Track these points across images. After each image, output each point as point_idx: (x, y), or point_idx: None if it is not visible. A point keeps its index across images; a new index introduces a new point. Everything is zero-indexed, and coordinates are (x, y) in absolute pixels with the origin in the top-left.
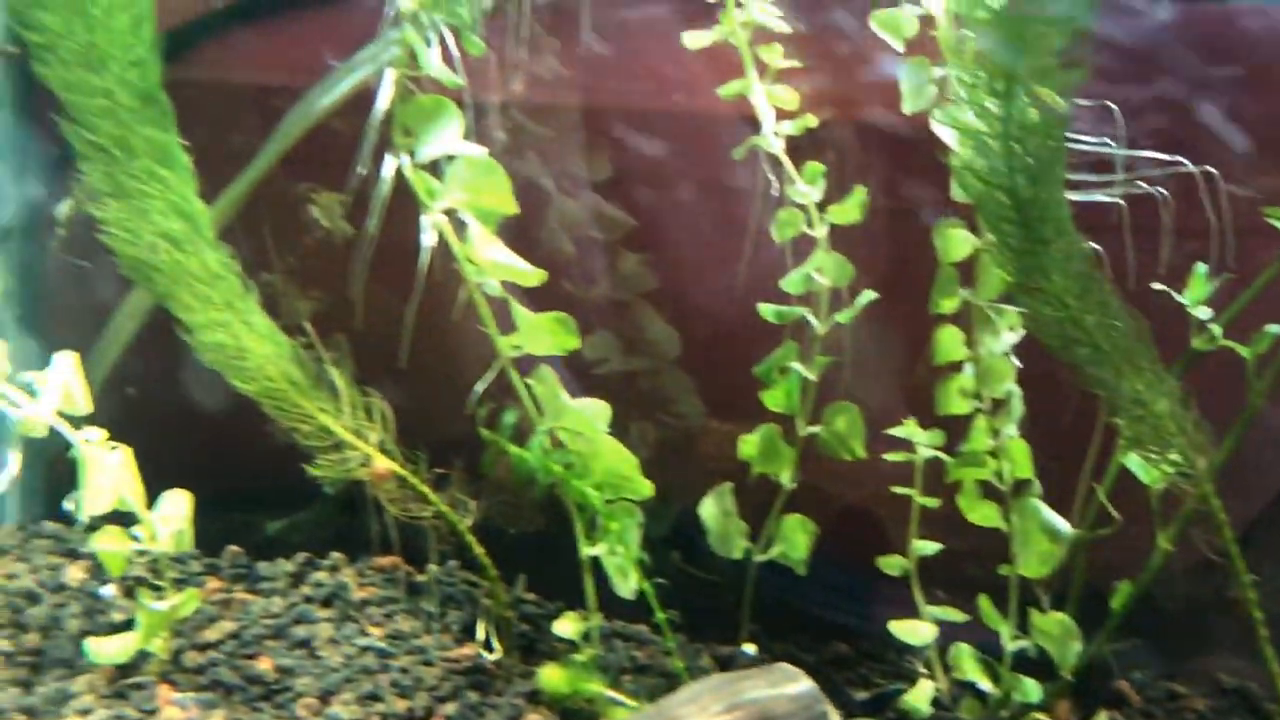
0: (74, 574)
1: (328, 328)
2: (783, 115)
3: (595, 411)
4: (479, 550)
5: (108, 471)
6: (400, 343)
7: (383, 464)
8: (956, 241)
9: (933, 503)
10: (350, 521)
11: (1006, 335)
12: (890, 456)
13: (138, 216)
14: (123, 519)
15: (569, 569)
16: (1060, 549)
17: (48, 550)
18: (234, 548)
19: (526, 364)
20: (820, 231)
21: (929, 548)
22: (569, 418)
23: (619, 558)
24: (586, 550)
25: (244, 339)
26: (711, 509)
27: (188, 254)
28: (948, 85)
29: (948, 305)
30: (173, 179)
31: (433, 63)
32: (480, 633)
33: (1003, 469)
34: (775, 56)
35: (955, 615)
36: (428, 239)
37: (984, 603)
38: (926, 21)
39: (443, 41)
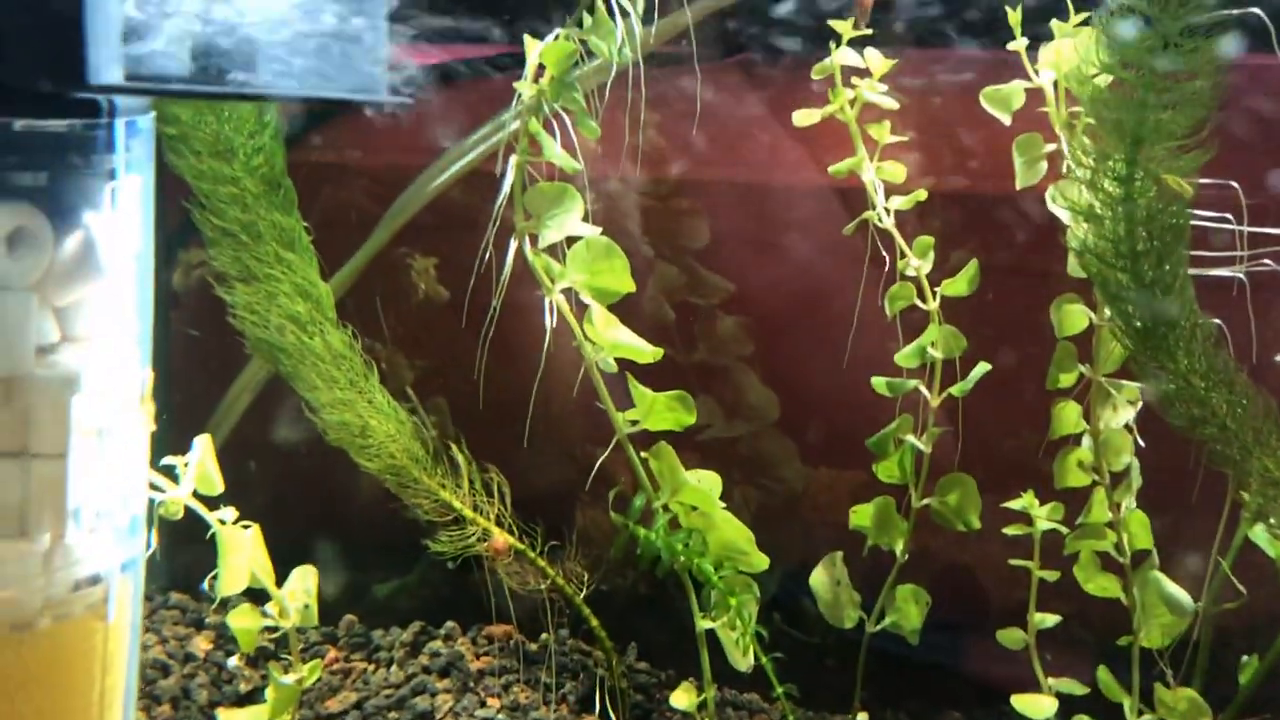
0: (201, 645)
1: (432, 394)
2: (892, 190)
3: (709, 484)
4: (595, 623)
5: (242, 552)
6: (506, 410)
7: (501, 539)
8: (1073, 316)
9: (1052, 576)
10: (459, 584)
11: (1125, 409)
12: (1009, 530)
13: (265, 299)
14: (253, 594)
15: (677, 634)
16: (1183, 621)
17: (175, 621)
18: (351, 616)
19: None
20: (932, 305)
21: (1048, 620)
22: (686, 493)
23: (737, 633)
24: (703, 624)
25: (367, 417)
26: (822, 578)
27: (312, 335)
28: (1061, 160)
29: (1065, 380)
30: (297, 262)
31: (555, 150)
32: (598, 704)
33: (1122, 540)
34: (884, 133)
35: (1077, 688)
36: (549, 319)
37: (1104, 675)
38: (1037, 95)
39: (559, 123)
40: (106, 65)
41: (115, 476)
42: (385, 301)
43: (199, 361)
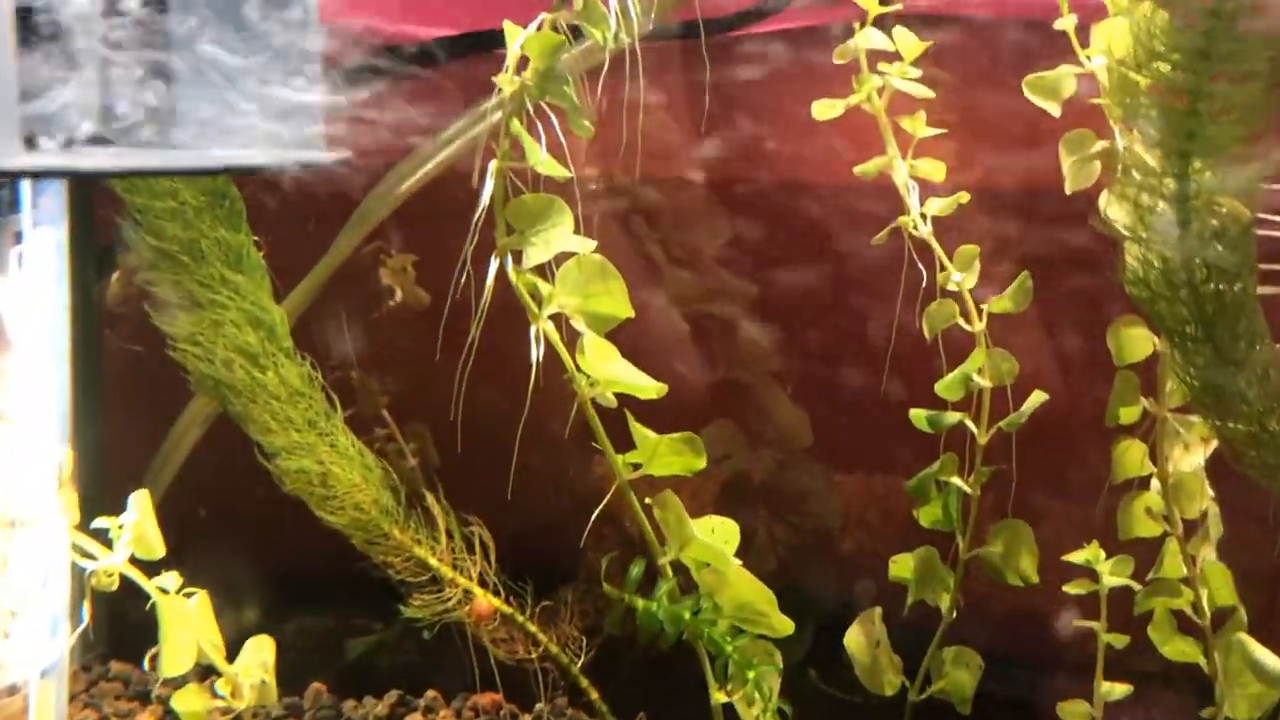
0: None
1: (406, 419)
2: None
3: (724, 532)
4: (594, 695)
5: (186, 626)
6: (497, 433)
7: (485, 603)
8: (1135, 342)
9: (1120, 640)
10: (441, 645)
11: (1198, 448)
12: (1070, 588)
13: (210, 329)
14: (204, 668)
15: (694, 701)
16: (1274, 691)
17: (117, 695)
18: (318, 684)
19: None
20: (978, 326)
21: (1117, 691)
22: (695, 548)
23: (756, 709)
24: (718, 698)
25: (329, 464)
26: (858, 639)
27: (265, 369)
28: (1116, 159)
29: (1127, 415)
30: (245, 284)
31: (540, 156)
32: None
33: (1200, 598)
34: (918, 126)
35: None
36: (535, 349)
37: None
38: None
39: (545, 122)
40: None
41: (32, 573)
42: (353, 312)
43: (138, 391)
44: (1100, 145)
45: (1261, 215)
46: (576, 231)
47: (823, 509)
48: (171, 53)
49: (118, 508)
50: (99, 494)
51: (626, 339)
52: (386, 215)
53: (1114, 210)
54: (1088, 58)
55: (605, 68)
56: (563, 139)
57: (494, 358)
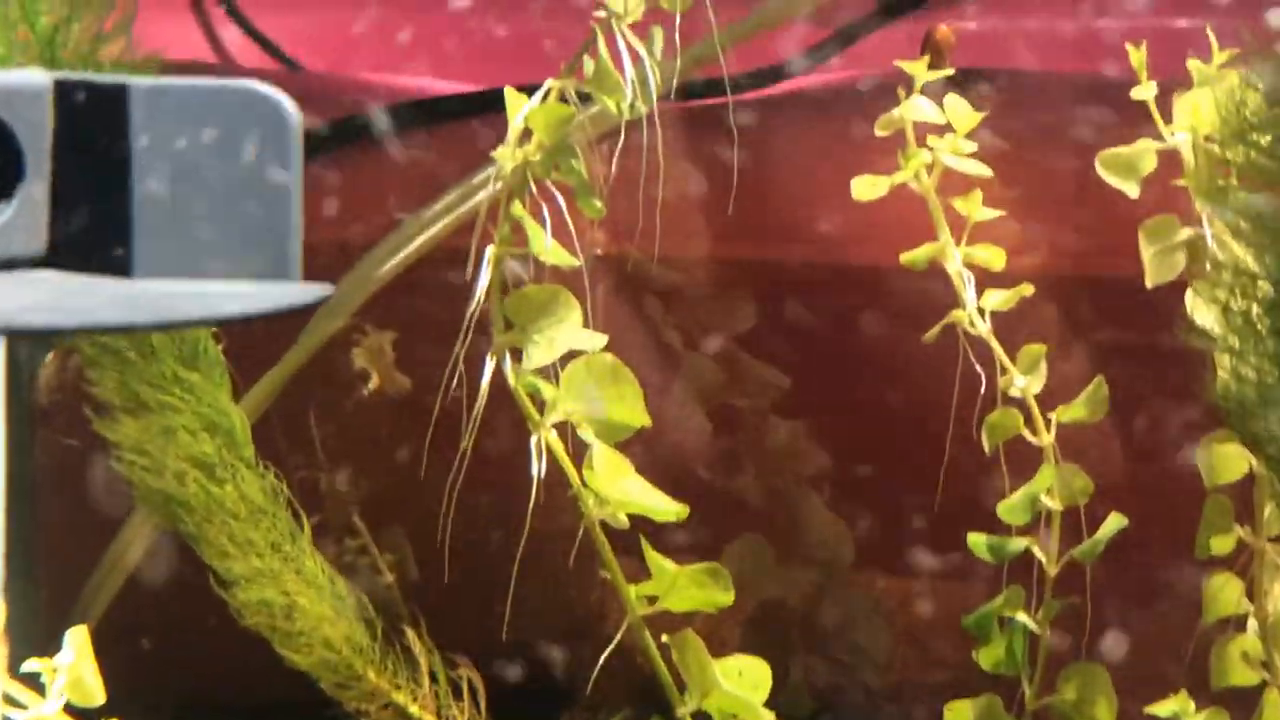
0: None
1: (383, 526)
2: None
3: (753, 676)
4: None
5: None
6: (489, 548)
7: None
8: (1228, 460)
9: None
10: None
11: None
12: None
13: (159, 436)
14: None
15: None
16: None
17: None
18: None
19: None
20: (1045, 438)
21: None
22: (720, 697)
23: None
24: None
25: (294, 594)
26: None
27: (222, 482)
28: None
29: (1220, 545)
30: (201, 383)
31: (546, 243)
32: None
33: None
34: (974, 207)
35: None
36: (536, 464)
37: None
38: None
39: (550, 200)
40: None
41: None
42: (323, 406)
43: (76, 497)
44: (1185, 234)
45: None
46: (585, 324)
47: (867, 642)
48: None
49: (52, 644)
50: (28, 629)
51: (641, 437)
52: (362, 302)
53: (1201, 313)
54: (1171, 133)
55: (621, 141)
56: (569, 219)
57: (488, 463)
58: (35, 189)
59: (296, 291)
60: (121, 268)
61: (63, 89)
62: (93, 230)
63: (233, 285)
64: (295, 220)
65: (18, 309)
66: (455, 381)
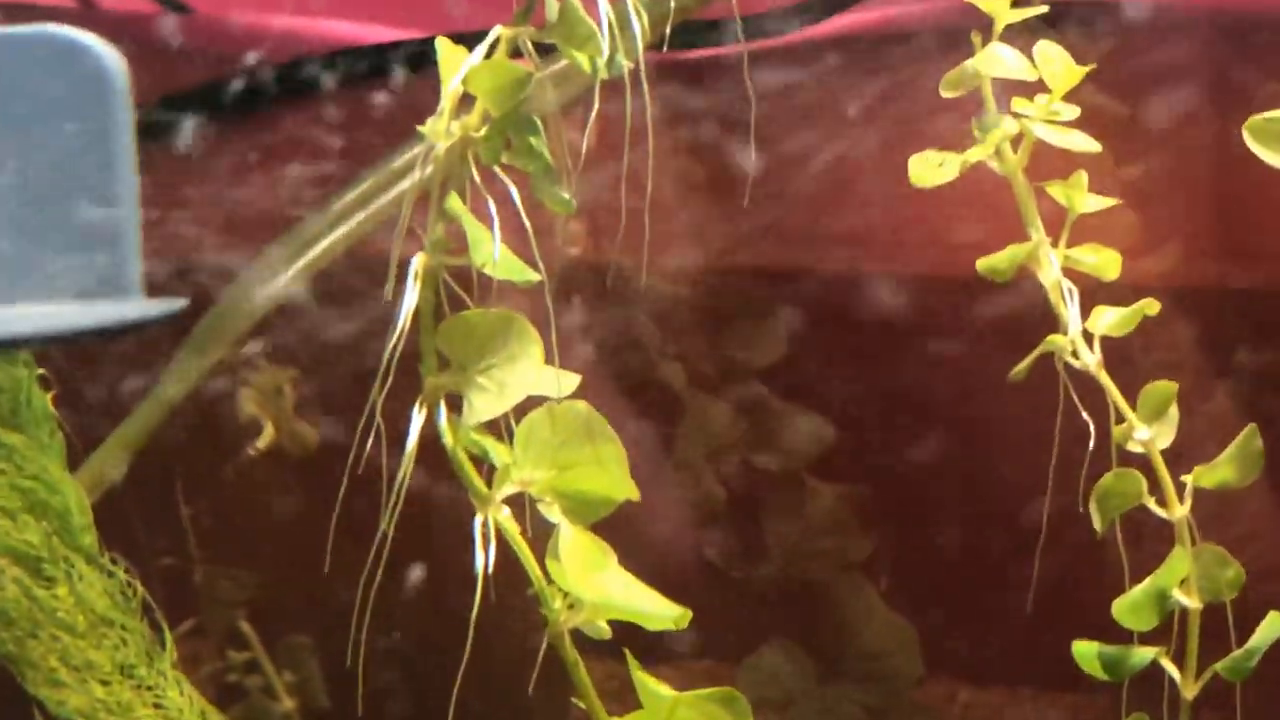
0: None
1: (279, 635)
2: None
3: None
4: None
5: None
6: (413, 671)
7: None
8: None
9: None
10: None
11: None
12: None
13: None
14: None
15: None
16: None
17: None
18: None
19: None
20: (1178, 511)
21: None
22: None
23: None
24: None
25: None
26: None
27: (52, 583)
28: None
29: None
30: (26, 448)
31: (492, 252)
32: None
33: None
34: (1078, 196)
35: None
36: (481, 555)
37: None
38: None
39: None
40: None
41: None
42: (195, 472)
43: None
44: None
45: None
46: (549, 361)
47: None
48: None
49: None
50: None
51: (626, 513)
52: (248, 329)
53: None
54: None
55: (595, 108)
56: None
57: (422, 548)
58: None
59: (135, 308)
60: None
61: None
62: None
63: (54, 306)
64: (129, 213)
65: None
66: (371, 439)
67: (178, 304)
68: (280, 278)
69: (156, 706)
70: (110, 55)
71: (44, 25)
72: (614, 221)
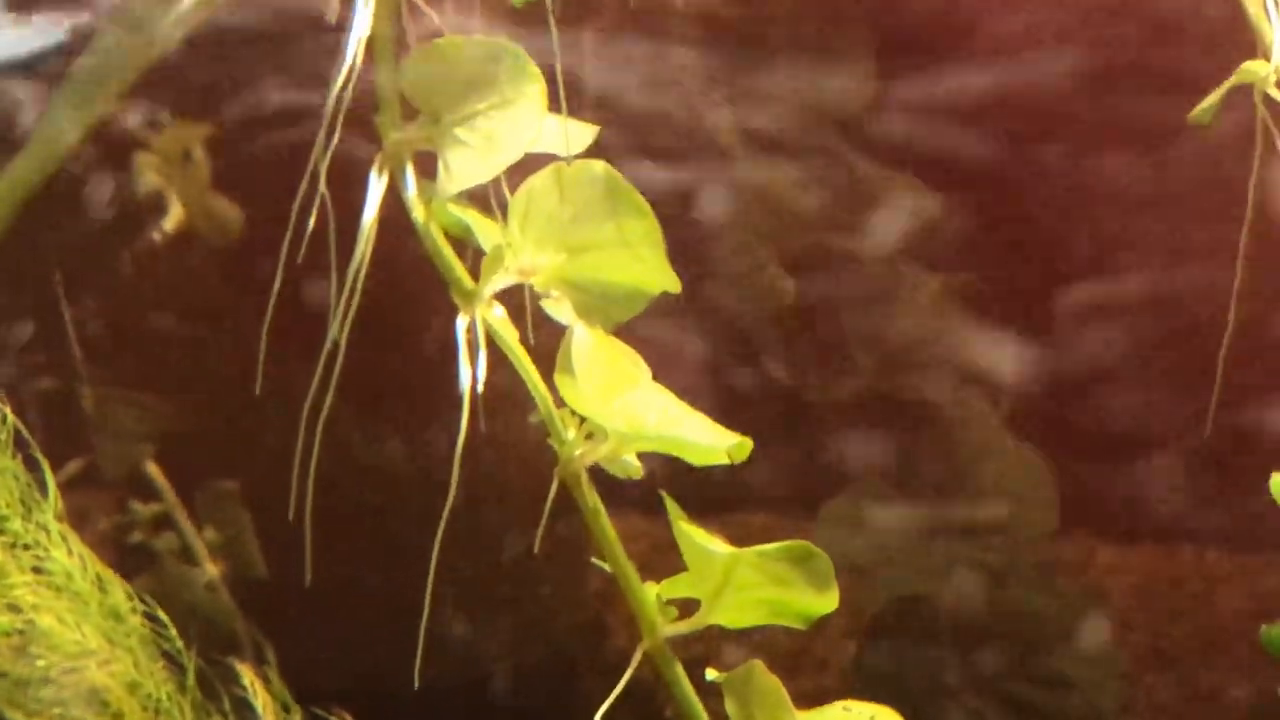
0: None
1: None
2: None
3: None
4: None
5: None
6: (378, 530)
7: None
8: None
9: None
10: None
11: None
12: None
13: None
14: None
15: None
16: None
17: None
18: None
19: None
20: None
21: None
22: None
23: None
24: None
25: (32, 610)
26: None
27: None
28: None
29: None
30: None
31: None
32: None
33: None
34: None
35: None
36: (468, 370)
37: None
38: None
39: None
40: None
41: None
42: (81, 261)
43: None
44: None
45: None
46: (555, 109)
47: (1081, 666)
48: None
49: None
50: None
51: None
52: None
53: None
54: None
55: None
56: None
57: (385, 367)
58: None
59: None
60: None
61: None
62: None
63: None
64: None
65: None
66: (314, 218)
67: (55, 34)
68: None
69: (36, 571)
70: None
71: None
72: None
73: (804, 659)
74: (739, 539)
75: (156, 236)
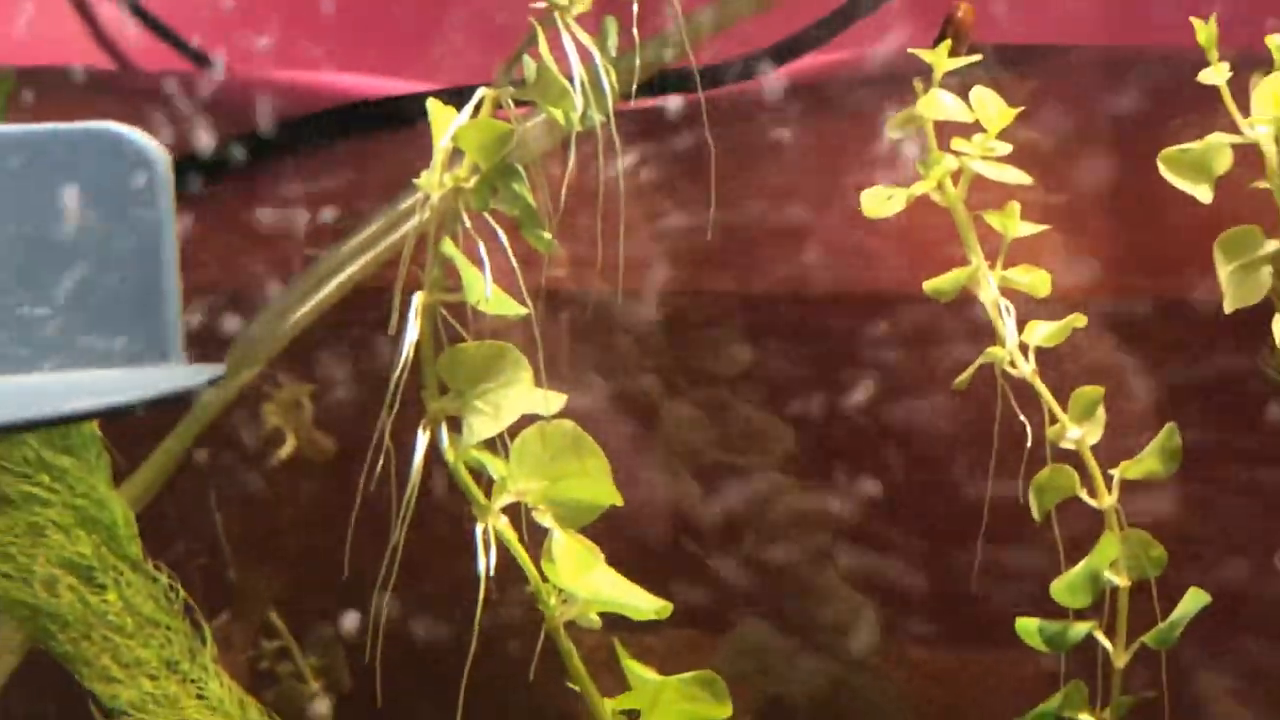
0: None
1: (307, 623)
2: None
3: None
4: None
5: None
6: (426, 658)
7: None
8: None
9: None
10: None
11: None
12: None
13: (24, 537)
14: None
15: None
16: None
17: None
18: None
19: None
20: (1107, 500)
21: None
22: None
23: None
24: None
25: None
26: None
27: (103, 589)
28: None
29: None
30: (75, 468)
31: (485, 290)
32: None
33: None
34: (1011, 223)
35: None
36: (484, 557)
37: None
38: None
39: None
40: None
41: None
42: (228, 480)
43: None
44: (1271, 247)
45: None
46: (538, 384)
47: None
48: None
49: None
50: None
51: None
52: (275, 353)
53: None
54: (1250, 125)
55: (571, 158)
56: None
57: (432, 549)
58: None
59: (175, 376)
60: None
61: None
62: None
63: (100, 374)
64: (170, 287)
65: None
66: (382, 459)
67: (217, 370)
68: (299, 309)
69: (199, 698)
70: (155, 148)
71: (101, 123)
72: (593, 252)
73: None
74: (669, 646)
75: (276, 460)
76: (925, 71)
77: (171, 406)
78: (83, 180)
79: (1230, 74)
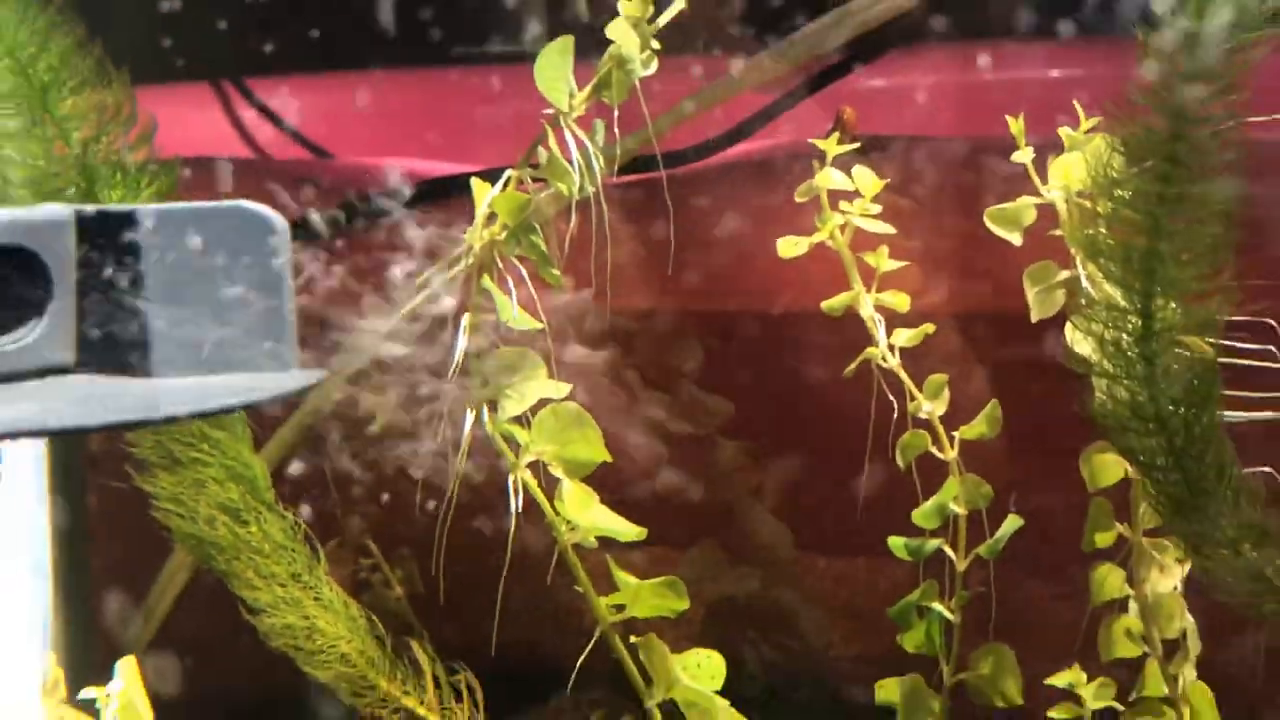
0: None
1: (393, 546)
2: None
3: (709, 668)
4: None
5: None
6: (475, 574)
7: None
8: (1106, 468)
9: None
10: None
11: (1173, 570)
12: (1054, 713)
13: (191, 488)
14: None
15: None
16: None
17: None
18: None
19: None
20: (950, 453)
21: None
22: (681, 690)
23: None
24: None
25: (315, 617)
26: None
27: (247, 524)
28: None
29: (1103, 541)
30: (226, 440)
31: (513, 311)
32: None
33: (1183, 717)
34: (882, 260)
35: None
36: (514, 498)
37: None
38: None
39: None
40: None
41: None
42: (333, 446)
43: (123, 535)
44: (1063, 275)
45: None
46: (551, 376)
47: (808, 626)
48: (140, 282)
49: (105, 672)
50: (85, 656)
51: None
52: (367, 360)
53: (1079, 343)
54: (1048, 190)
55: (573, 217)
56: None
57: (478, 492)
58: (63, 306)
59: (292, 379)
60: (140, 369)
61: (81, 219)
62: (114, 338)
63: (238, 377)
64: (288, 317)
65: (47, 412)
66: (442, 428)
67: (320, 374)
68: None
69: (315, 599)
70: (278, 219)
71: (239, 202)
72: (588, 283)
73: (676, 630)
74: (648, 558)
75: (370, 431)
76: (821, 155)
77: (289, 400)
78: (227, 242)
79: (1033, 155)
